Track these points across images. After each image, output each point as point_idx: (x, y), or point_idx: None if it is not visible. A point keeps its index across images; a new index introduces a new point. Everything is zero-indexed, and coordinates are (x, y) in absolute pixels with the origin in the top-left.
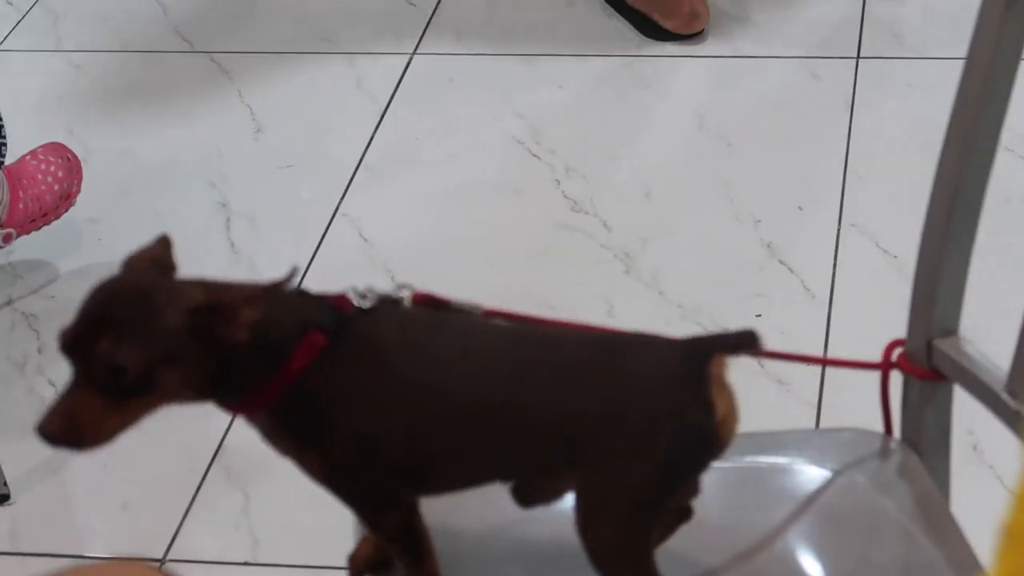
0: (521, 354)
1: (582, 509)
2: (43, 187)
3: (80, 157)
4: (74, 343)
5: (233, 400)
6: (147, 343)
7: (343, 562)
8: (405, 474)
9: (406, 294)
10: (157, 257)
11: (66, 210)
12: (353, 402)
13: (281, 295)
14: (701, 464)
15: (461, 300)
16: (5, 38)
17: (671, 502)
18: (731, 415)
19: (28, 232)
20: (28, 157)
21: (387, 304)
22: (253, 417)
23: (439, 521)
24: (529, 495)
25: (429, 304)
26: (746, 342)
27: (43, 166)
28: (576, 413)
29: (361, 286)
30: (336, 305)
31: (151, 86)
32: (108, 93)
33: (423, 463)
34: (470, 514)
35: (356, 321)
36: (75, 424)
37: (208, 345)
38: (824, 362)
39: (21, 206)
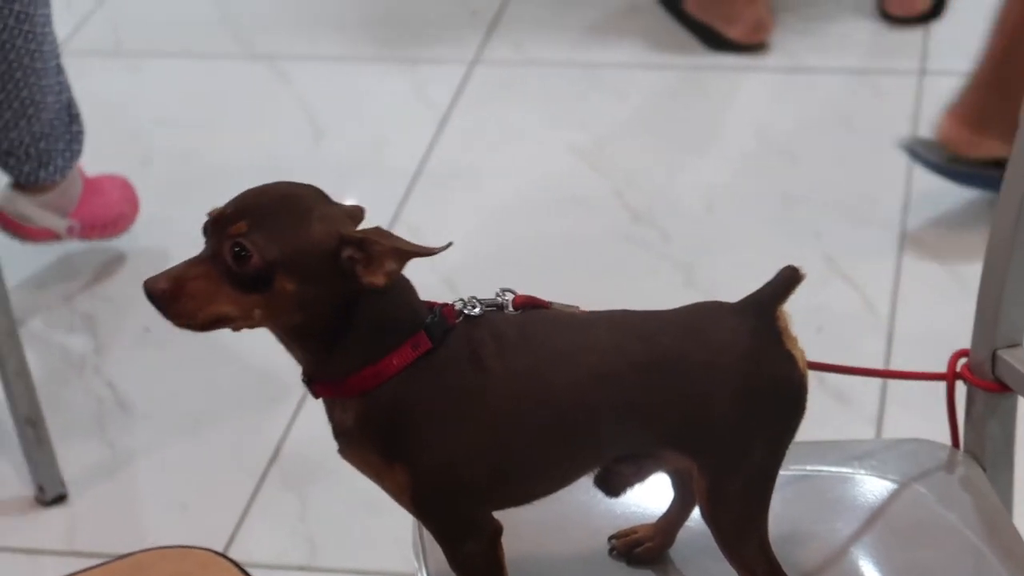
0: (620, 351)
1: (706, 494)
2: (112, 202)
3: (141, 160)
4: (217, 219)
5: (324, 371)
6: (282, 242)
7: (399, 567)
8: (495, 490)
9: (508, 298)
10: (350, 211)
11: (120, 232)
12: (448, 416)
13: (406, 281)
14: (800, 418)
15: (559, 302)
16: (65, 42)
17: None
18: (806, 363)
19: (87, 238)
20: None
21: (492, 313)
22: (336, 408)
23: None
24: (618, 485)
25: (531, 306)
26: (792, 280)
27: (115, 189)
28: (676, 400)
29: (466, 296)
30: (443, 312)
31: (210, 91)
32: (168, 98)
33: (517, 473)
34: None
35: (459, 332)
36: (181, 290)
37: (340, 277)
38: (889, 375)
39: (88, 208)
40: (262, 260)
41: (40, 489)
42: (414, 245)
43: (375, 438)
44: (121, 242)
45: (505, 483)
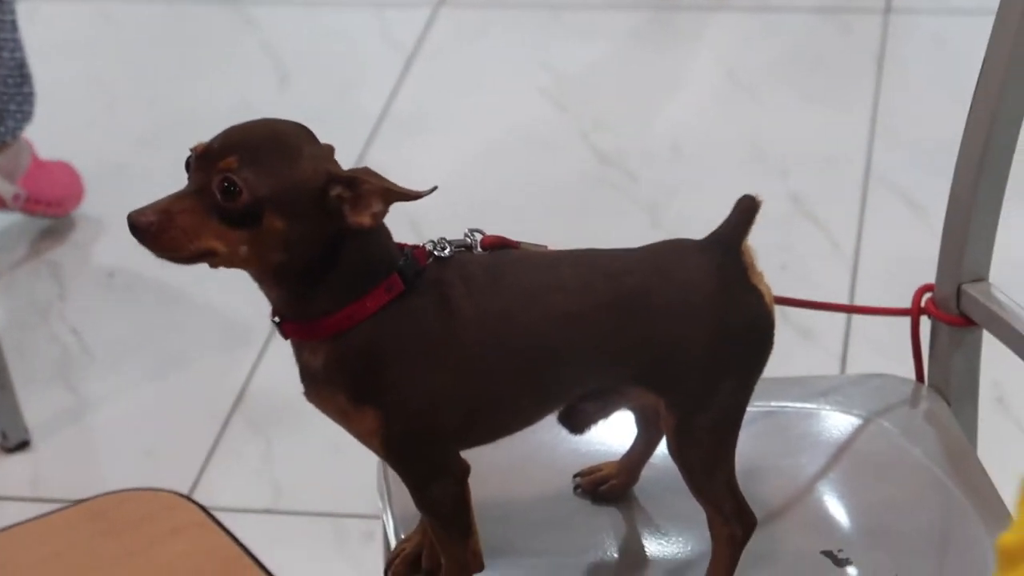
0: (587, 290)
1: (673, 431)
2: (59, 182)
3: (105, 106)
4: (205, 153)
5: (297, 311)
6: (272, 179)
7: (363, 510)
8: (465, 431)
9: (477, 239)
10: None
11: (64, 213)
12: (419, 358)
13: (382, 223)
14: (768, 354)
15: (528, 242)
16: None
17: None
18: (772, 298)
19: (30, 211)
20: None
21: (461, 254)
22: (305, 350)
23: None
24: (582, 422)
25: (499, 246)
26: (750, 209)
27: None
28: (644, 339)
29: (435, 238)
30: (414, 255)
31: (176, 36)
32: (132, 43)
33: (486, 413)
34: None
35: (429, 273)
36: (168, 223)
37: (326, 216)
38: (854, 310)
39: (35, 181)
40: (252, 196)
41: (3, 435)
42: (402, 187)
43: (345, 381)
44: (87, 190)
45: (474, 423)
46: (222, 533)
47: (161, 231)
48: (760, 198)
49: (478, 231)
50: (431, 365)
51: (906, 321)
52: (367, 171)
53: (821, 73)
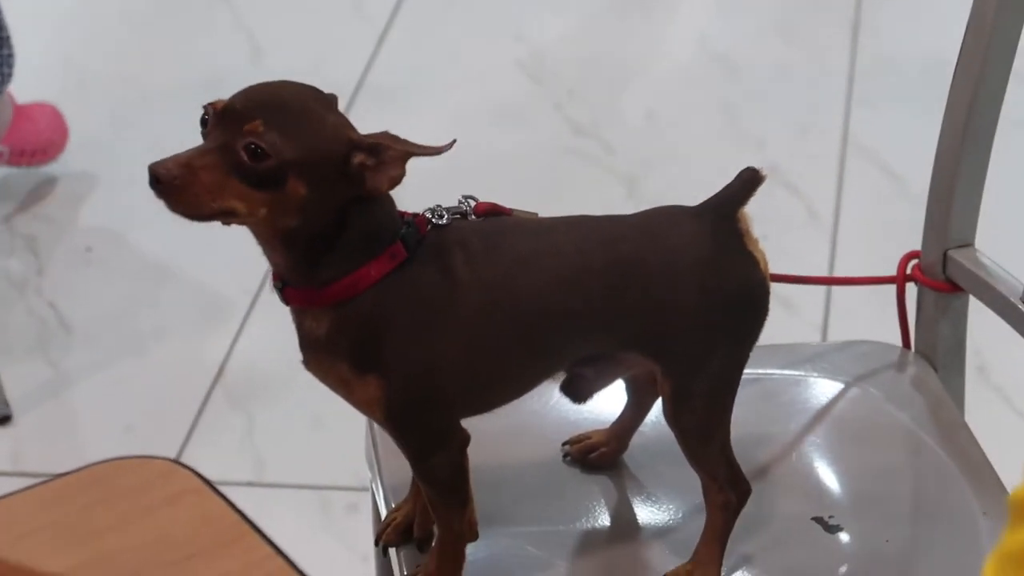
0: (581, 255)
1: (670, 396)
2: (41, 128)
3: (77, 82)
4: (228, 111)
5: (302, 278)
6: (298, 144)
7: (347, 482)
8: (466, 398)
9: (471, 205)
10: None
11: (49, 160)
12: (421, 326)
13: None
14: (763, 319)
15: (520, 209)
16: None
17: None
18: (767, 264)
19: (15, 164)
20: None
21: (457, 222)
22: (307, 317)
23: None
24: (584, 391)
25: (492, 213)
26: (753, 181)
27: (44, 117)
28: (639, 303)
29: (432, 204)
30: (416, 222)
31: (146, 11)
32: (103, 18)
33: (487, 380)
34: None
35: (428, 241)
36: (190, 178)
37: (347, 182)
38: (839, 281)
39: (18, 134)
40: (278, 160)
41: None
42: (424, 146)
43: (347, 349)
44: (57, 165)
45: (475, 391)
46: (219, 499)
47: (184, 186)
48: (764, 172)
49: (472, 197)
50: (434, 332)
51: (886, 291)
52: (388, 136)
53: (795, 43)
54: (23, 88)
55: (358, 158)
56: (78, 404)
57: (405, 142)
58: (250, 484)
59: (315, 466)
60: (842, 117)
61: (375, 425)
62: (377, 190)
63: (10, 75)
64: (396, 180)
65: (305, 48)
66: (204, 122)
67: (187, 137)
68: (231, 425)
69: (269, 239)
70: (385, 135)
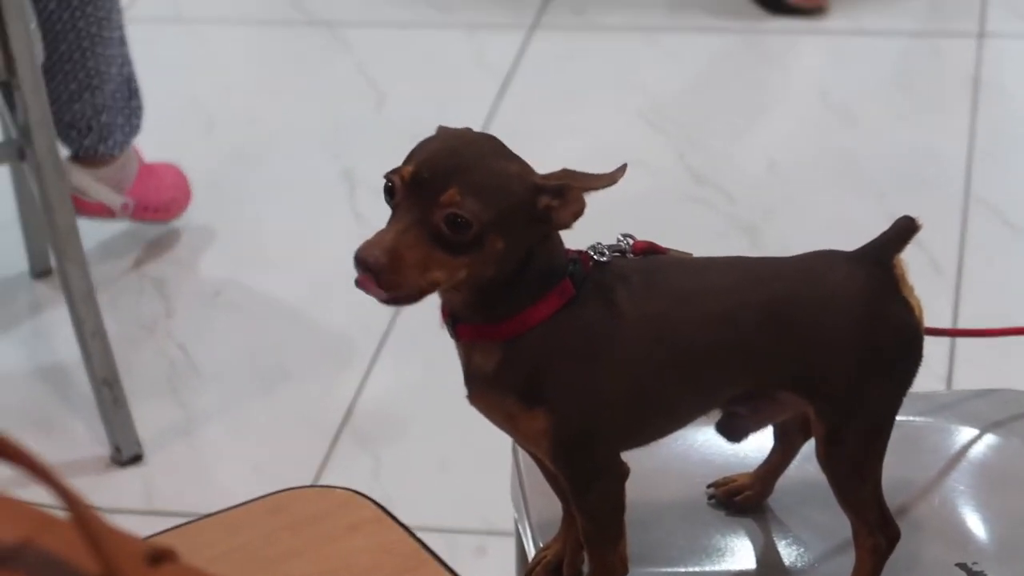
0: (738, 292)
1: (823, 438)
2: (166, 186)
3: (203, 124)
4: (417, 180)
5: (479, 315)
6: (493, 203)
7: (475, 525)
8: (628, 431)
9: (628, 243)
10: None
11: (172, 218)
12: (588, 361)
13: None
14: (918, 364)
15: (675, 248)
16: (126, 9)
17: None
18: (921, 310)
19: (139, 218)
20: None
21: (617, 259)
22: (476, 352)
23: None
24: (740, 430)
25: (649, 251)
26: (909, 229)
27: (169, 175)
28: (793, 343)
29: (593, 242)
30: (581, 259)
31: (271, 57)
32: (230, 65)
33: (648, 413)
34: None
35: (591, 278)
36: (397, 262)
37: (535, 224)
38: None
39: (143, 188)
40: (480, 226)
41: (116, 449)
42: (601, 176)
43: (516, 383)
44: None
45: (637, 425)
46: (399, 528)
47: (393, 270)
48: (920, 221)
49: (630, 236)
50: (599, 366)
51: (1007, 343)
52: (568, 174)
53: (915, 96)
54: (154, 129)
55: (544, 201)
56: (207, 444)
57: (584, 177)
58: None
59: (442, 509)
60: (963, 169)
61: (522, 464)
62: (564, 226)
63: (139, 127)
64: (579, 214)
65: (427, 97)
66: (389, 190)
67: (309, 183)
68: (359, 467)
69: (457, 286)
70: (565, 173)
